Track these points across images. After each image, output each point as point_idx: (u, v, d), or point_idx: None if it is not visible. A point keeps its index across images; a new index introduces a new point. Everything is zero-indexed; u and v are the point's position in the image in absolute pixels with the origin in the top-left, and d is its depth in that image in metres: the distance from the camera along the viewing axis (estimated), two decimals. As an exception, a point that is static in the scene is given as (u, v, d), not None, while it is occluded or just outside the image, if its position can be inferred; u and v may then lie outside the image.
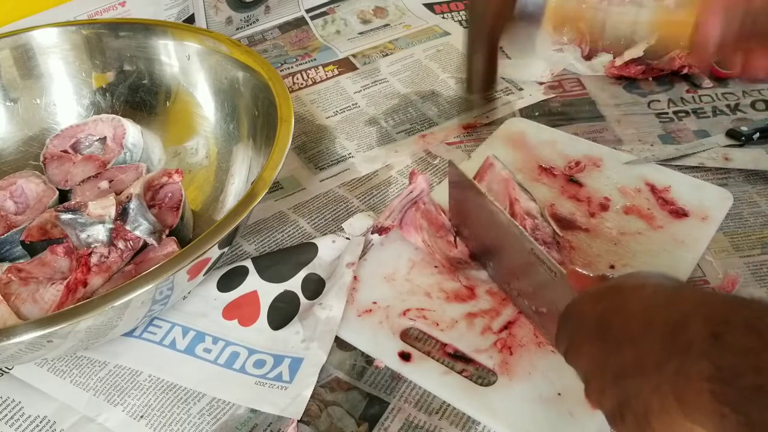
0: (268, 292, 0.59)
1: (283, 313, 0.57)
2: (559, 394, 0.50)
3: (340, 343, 0.55)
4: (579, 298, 0.40)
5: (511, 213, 0.59)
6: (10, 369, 0.54)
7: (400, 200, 0.62)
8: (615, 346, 0.35)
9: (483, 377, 0.52)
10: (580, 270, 0.44)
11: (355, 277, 0.59)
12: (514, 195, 0.61)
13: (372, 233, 0.62)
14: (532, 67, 0.85)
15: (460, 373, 0.53)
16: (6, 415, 0.51)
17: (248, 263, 0.61)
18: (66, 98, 0.73)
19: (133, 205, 0.57)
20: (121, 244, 0.56)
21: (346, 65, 0.90)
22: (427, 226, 0.61)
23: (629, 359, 0.34)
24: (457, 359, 0.54)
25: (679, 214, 0.64)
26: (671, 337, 0.32)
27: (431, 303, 0.57)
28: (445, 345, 0.54)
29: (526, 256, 0.50)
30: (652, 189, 0.67)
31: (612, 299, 0.38)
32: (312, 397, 0.51)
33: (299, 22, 0.97)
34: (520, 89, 0.84)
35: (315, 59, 0.91)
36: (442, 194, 0.67)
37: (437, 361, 0.53)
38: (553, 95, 0.82)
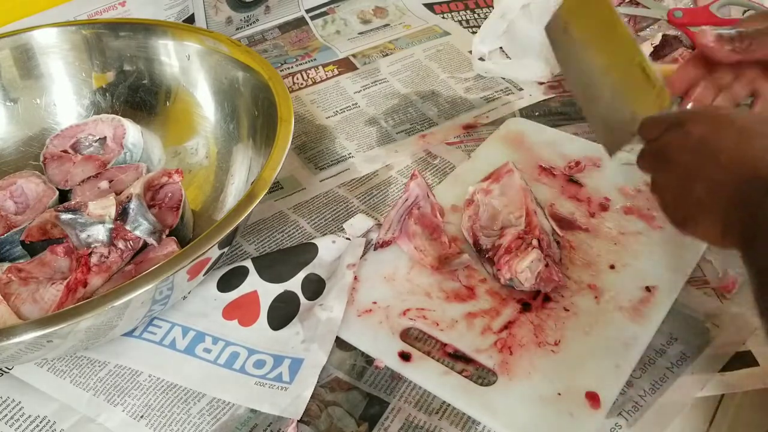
0: (268, 292, 0.59)
1: (283, 313, 0.57)
2: (559, 394, 0.50)
3: (340, 343, 0.55)
4: (689, 116, 0.46)
5: (528, 224, 0.59)
6: (10, 369, 0.54)
7: (396, 211, 0.62)
8: (695, 173, 0.43)
9: (483, 377, 0.52)
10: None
11: (355, 277, 0.59)
12: (532, 207, 0.61)
13: (375, 249, 0.62)
14: (532, 67, 0.85)
15: (460, 373, 0.53)
16: (6, 415, 0.51)
17: (248, 263, 0.61)
18: (66, 98, 0.73)
19: (133, 205, 0.57)
20: (121, 244, 0.56)
21: (346, 65, 0.90)
22: (420, 231, 0.62)
23: (702, 189, 0.42)
24: (457, 359, 0.54)
25: (679, 214, 0.64)
26: (744, 188, 0.40)
27: (431, 303, 0.57)
28: (445, 345, 0.55)
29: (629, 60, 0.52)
30: (652, 189, 0.67)
31: (713, 129, 0.43)
32: (312, 397, 0.51)
33: (299, 22, 0.97)
34: (520, 89, 0.84)
35: (315, 59, 0.91)
36: (443, 194, 0.67)
37: (437, 361, 0.53)
38: (553, 95, 0.82)
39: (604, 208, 0.65)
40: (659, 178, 0.47)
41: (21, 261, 0.58)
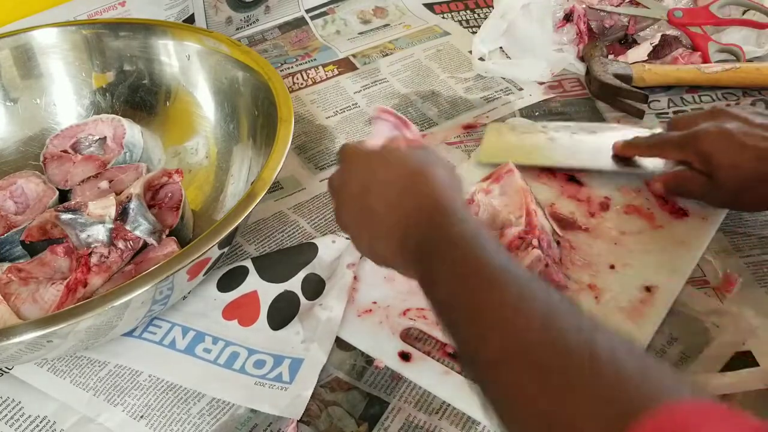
0: (268, 292, 0.59)
1: (283, 313, 0.57)
2: (559, 394, 0.50)
3: (340, 343, 0.55)
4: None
5: (528, 224, 0.59)
6: (10, 369, 0.54)
7: None
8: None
9: (483, 377, 0.52)
10: None
11: (355, 277, 0.59)
12: (532, 207, 0.61)
13: None
14: (532, 67, 0.85)
15: (460, 373, 0.53)
16: (6, 415, 0.51)
17: (248, 263, 0.61)
18: (66, 98, 0.73)
19: (133, 205, 0.57)
20: (121, 244, 0.56)
21: (346, 65, 0.90)
22: None
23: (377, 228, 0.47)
24: (457, 359, 0.54)
25: (679, 213, 0.64)
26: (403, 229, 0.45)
27: (431, 303, 0.57)
28: (445, 345, 0.55)
29: None
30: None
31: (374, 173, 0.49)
32: (312, 397, 0.51)
33: (299, 22, 0.97)
34: (520, 89, 0.84)
35: (315, 59, 0.91)
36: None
37: (437, 361, 0.53)
38: (553, 95, 0.82)
39: (604, 207, 0.65)
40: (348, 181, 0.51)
41: (21, 261, 0.58)
